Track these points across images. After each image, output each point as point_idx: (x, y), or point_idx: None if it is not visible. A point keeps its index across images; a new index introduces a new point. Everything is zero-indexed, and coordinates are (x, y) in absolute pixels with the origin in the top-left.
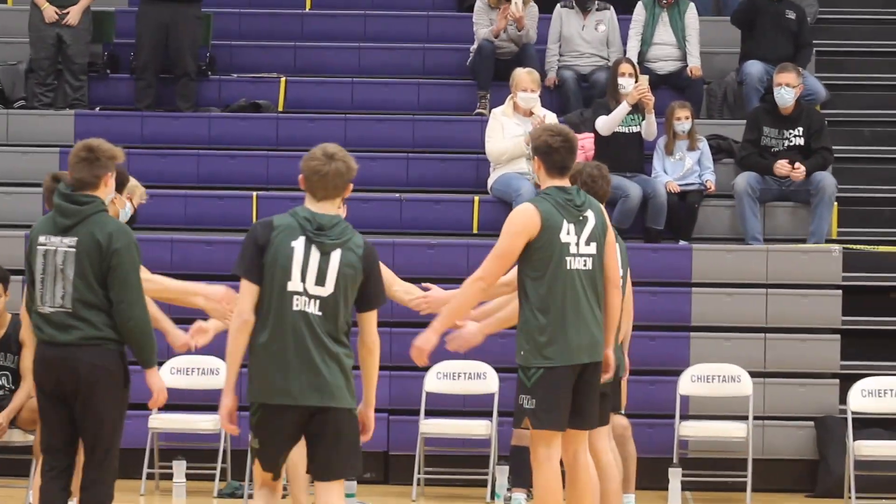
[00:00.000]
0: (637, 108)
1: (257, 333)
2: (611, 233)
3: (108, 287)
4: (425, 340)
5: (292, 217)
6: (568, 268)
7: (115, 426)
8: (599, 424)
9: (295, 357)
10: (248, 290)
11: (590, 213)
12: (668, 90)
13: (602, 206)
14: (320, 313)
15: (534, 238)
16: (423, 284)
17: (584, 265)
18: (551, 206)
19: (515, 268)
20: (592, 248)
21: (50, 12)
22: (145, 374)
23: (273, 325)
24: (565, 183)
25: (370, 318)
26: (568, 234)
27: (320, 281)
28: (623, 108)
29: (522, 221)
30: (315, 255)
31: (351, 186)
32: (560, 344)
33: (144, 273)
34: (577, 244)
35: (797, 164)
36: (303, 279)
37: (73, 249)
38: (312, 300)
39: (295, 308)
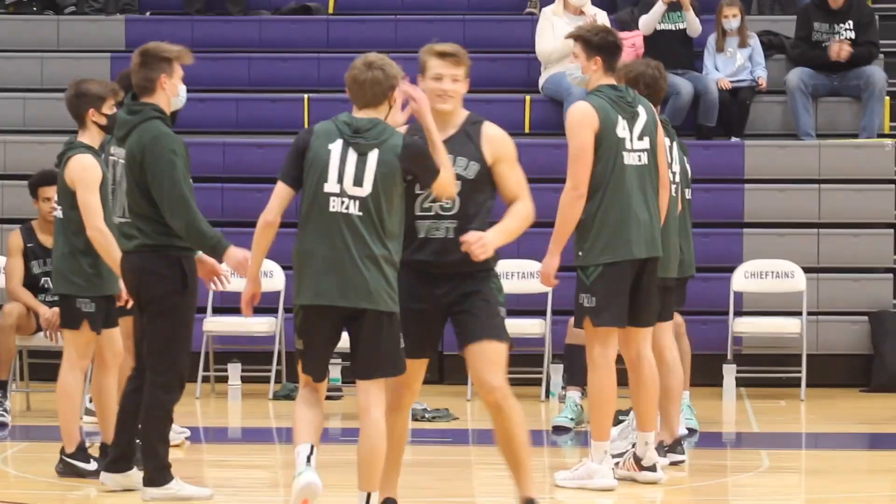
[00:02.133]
0: (679, 6)
1: (299, 237)
2: (660, 131)
3: (152, 196)
4: (548, 265)
5: (332, 122)
6: (626, 163)
7: (168, 332)
8: (662, 320)
9: (333, 258)
10: (278, 192)
11: (640, 109)
12: None
13: (651, 105)
14: (360, 213)
15: (595, 133)
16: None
17: (639, 160)
18: (605, 102)
19: None
20: (646, 143)
21: None
22: (224, 260)
23: (312, 227)
24: (612, 79)
25: (445, 185)
26: (623, 129)
27: (358, 181)
28: (659, 7)
29: (581, 117)
30: (352, 156)
31: (394, 94)
32: (619, 240)
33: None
34: (631, 140)
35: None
36: (340, 180)
37: (123, 161)
38: (352, 201)
39: (332, 209)
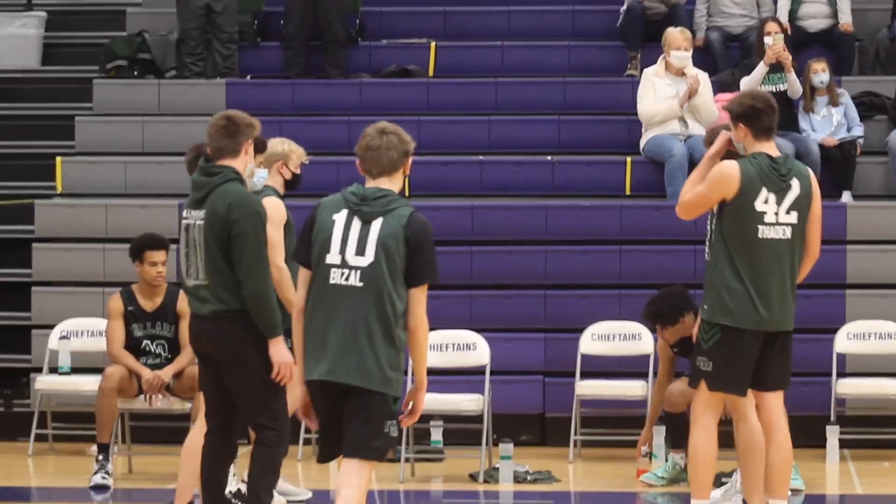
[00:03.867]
0: (781, 67)
1: (305, 310)
2: (819, 203)
3: (232, 258)
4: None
5: (340, 194)
6: (760, 236)
7: (259, 392)
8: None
9: (330, 332)
10: (302, 276)
11: (794, 182)
12: (820, 48)
13: (811, 174)
14: (361, 284)
15: (731, 198)
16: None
17: (783, 234)
18: (754, 170)
19: None
20: (793, 218)
21: None
22: (268, 345)
23: (314, 301)
24: (771, 146)
25: (415, 296)
26: (766, 202)
27: (360, 251)
28: (761, 69)
29: (721, 177)
30: (356, 224)
31: (409, 161)
32: (743, 311)
33: (277, 258)
34: (777, 213)
35: None
36: (342, 251)
37: (203, 222)
38: (353, 271)
39: (331, 282)
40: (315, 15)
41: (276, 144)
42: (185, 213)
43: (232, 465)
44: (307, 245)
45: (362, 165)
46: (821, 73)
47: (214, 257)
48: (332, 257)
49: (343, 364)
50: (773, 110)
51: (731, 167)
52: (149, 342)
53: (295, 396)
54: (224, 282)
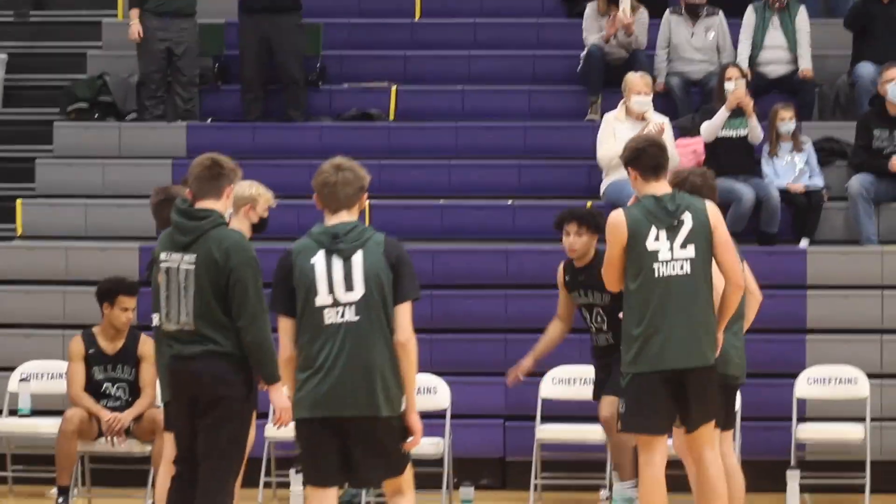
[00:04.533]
0: (742, 112)
1: (299, 354)
2: (723, 232)
3: (229, 304)
4: None
5: (308, 237)
6: (657, 275)
7: (231, 437)
8: (726, 428)
9: (333, 369)
10: (285, 326)
11: (686, 216)
12: (780, 94)
13: (707, 206)
14: (357, 318)
15: (624, 246)
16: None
17: (681, 269)
18: (639, 211)
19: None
20: (690, 252)
21: (134, 30)
22: (268, 392)
23: (308, 341)
24: (662, 186)
25: (403, 311)
26: (657, 240)
27: (349, 286)
28: (722, 114)
29: (611, 229)
30: (337, 263)
31: (365, 196)
32: (649, 350)
33: None
34: (672, 249)
35: None
36: (330, 291)
37: (193, 267)
38: (347, 307)
39: (327, 322)
40: (270, 57)
41: (245, 188)
42: (163, 256)
43: None
44: (288, 294)
45: (320, 201)
46: (788, 121)
47: (208, 303)
48: (322, 299)
49: (348, 396)
50: (659, 149)
51: (615, 216)
52: (109, 384)
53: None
54: (216, 327)
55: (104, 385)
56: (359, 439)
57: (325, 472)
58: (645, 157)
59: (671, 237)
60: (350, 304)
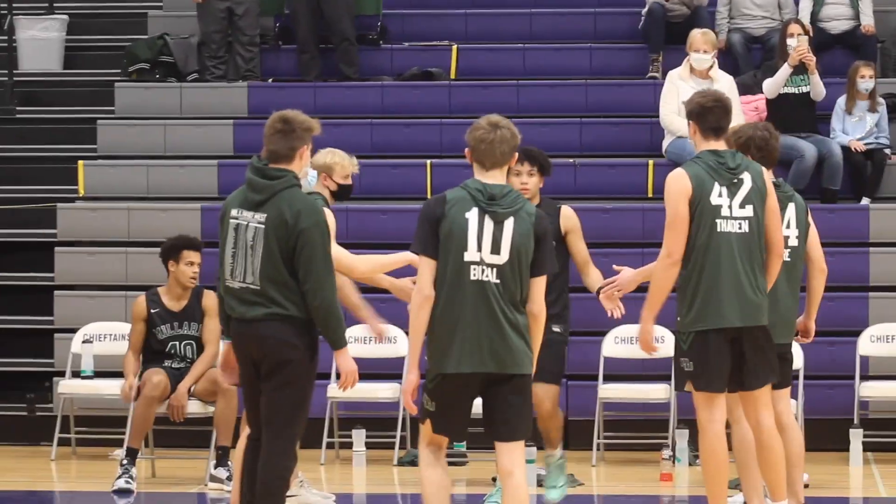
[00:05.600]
0: (804, 69)
1: (437, 305)
2: (774, 198)
3: (296, 266)
4: (645, 332)
5: (463, 189)
6: (719, 230)
7: (295, 400)
8: (781, 387)
9: (474, 326)
10: (428, 266)
11: (745, 176)
12: (842, 49)
13: (763, 171)
14: (498, 281)
15: (690, 200)
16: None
17: (740, 228)
18: (702, 169)
19: None
20: (748, 211)
21: None
22: (334, 355)
23: (451, 296)
24: (720, 145)
25: (538, 284)
26: (720, 196)
27: (495, 249)
28: (784, 70)
29: (676, 186)
30: (489, 224)
31: (516, 156)
32: (712, 308)
33: (336, 250)
34: (731, 206)
35: None
36: (479, 249)
37: (263, 226)
38: (490, 269)
39: (472, 278)
40: (322, 16)
41: (322, 155)
42: (234, 213)
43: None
44: (434, 242)
45: (474, 157)
46: (868, 79)
47: (276, 264)
48: (471, 255)
49: (491, 354)
50: (724, 110)
51: (677, 175)
52: (176, 343)
53: (409, 382)
54: (281, 288)
55: (170, 344)
56: (499, 395)
57: (454, 426)
58: (710, 115)
59: (731, 194)
60: (493, 266)
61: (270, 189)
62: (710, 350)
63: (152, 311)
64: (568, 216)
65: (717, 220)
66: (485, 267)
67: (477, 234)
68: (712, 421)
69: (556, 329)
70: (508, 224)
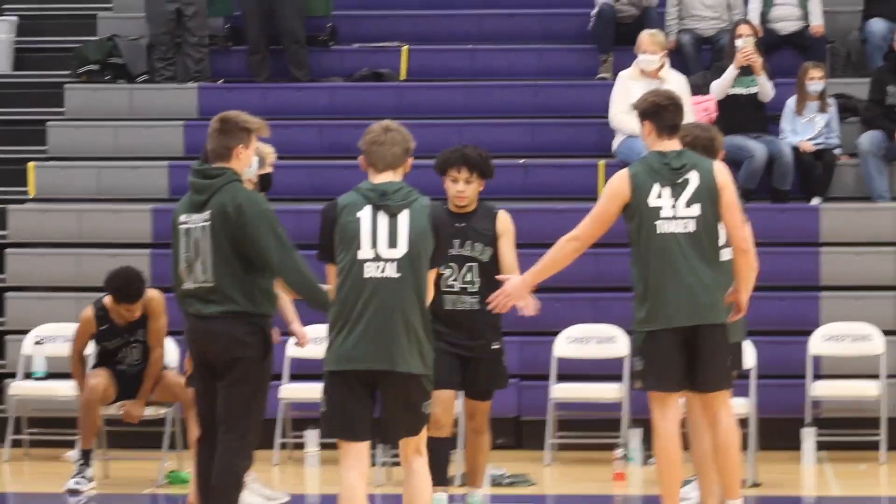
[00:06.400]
0: (752, 70)
1: (335, 303)
2: (730, 193)
3: (252, 259)
4: (515, 285)
5: (356, 192)
6: (660, 231)
7: (248, 397)
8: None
9: (369, 322)
10: (332, 273)
11: (692, 175)
12: (791, 50)
13: (715, 166)
14: (398, 275)
15: (627, 202)
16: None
17: (685, 228)
18: (643, 170)
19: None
20: (695, 210)
21: None
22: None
23: (347, 293)
24: (674, 144)
25: (430, 276)
26: (659, 197)
27: (392, 243)
28: (731, 72)
29: (612, 187)
30: (383, 219)
31: (411, 160)
32: (661, 308)
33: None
34: (675, 207)
35: None
36: (374, 245)
37: (209, 223)
38: (388, 263)
39: (366, 275)
40: (272, 17)
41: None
42: (182, 218)
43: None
44: (331, 243)
45: (367, 160)
46: (817, 80)
47: (226, 258)
48: (365, 252)
49: (381, 351)
50: (678, 108)
51: (618, 176)
52: (124, 348)
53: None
54: (234, 281)
55: (120, 352)
56: (385, 394)
57: (352, 424)
58: (666, 114)
59: (675, 194)
60: (392, 260)
61: (211, 187)
62: (660, 350)
63: (101, 327)
64: (502, 219)
65: (657, 222)
66: (381, 262)
67: (371, 231)
68: (665, 420)
69: (495, 346)
70: (403, 217)
